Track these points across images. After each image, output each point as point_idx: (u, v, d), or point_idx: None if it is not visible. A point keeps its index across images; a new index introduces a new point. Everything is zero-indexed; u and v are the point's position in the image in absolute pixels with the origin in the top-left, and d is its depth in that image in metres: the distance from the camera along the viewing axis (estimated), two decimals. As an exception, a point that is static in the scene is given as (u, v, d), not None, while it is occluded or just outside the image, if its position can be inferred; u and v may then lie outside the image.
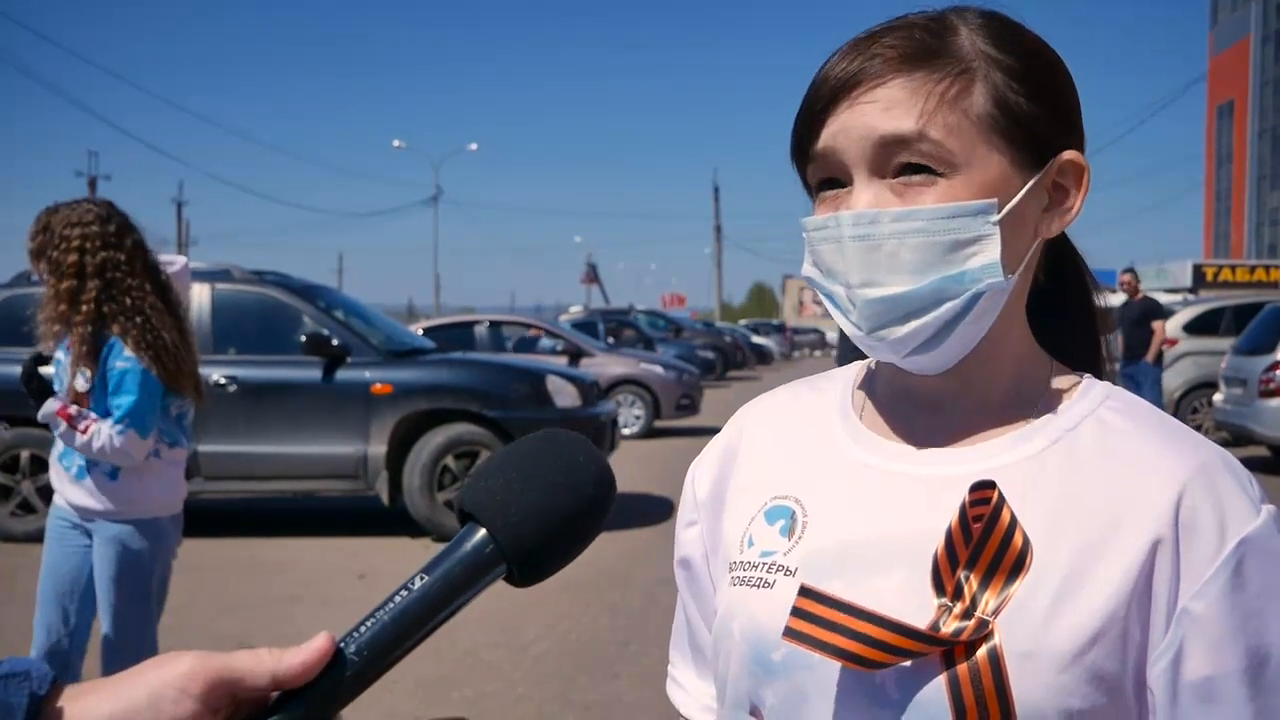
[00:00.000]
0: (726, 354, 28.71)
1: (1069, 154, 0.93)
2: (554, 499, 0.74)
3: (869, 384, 1.03)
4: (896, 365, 0.94)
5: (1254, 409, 11.10)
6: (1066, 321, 1.03)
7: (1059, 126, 0.92)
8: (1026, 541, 0.85)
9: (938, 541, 0.87)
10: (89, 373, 3.27)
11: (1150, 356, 12.04)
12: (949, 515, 0.87)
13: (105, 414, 3.27)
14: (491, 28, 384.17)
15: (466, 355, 10.10)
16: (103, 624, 3.37)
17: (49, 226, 3.31)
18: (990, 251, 0.88)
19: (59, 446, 3.39)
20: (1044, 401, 0.94)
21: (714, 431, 1.11)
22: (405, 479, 8.02)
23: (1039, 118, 0.90)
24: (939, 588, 0.86)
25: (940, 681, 0.83)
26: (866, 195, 0.89)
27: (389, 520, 8.49)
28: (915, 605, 0.85)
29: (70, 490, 3.37)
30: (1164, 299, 14.74)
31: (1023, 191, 0.90)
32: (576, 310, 26.34)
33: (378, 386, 8.00)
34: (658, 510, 8.82)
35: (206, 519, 8.42)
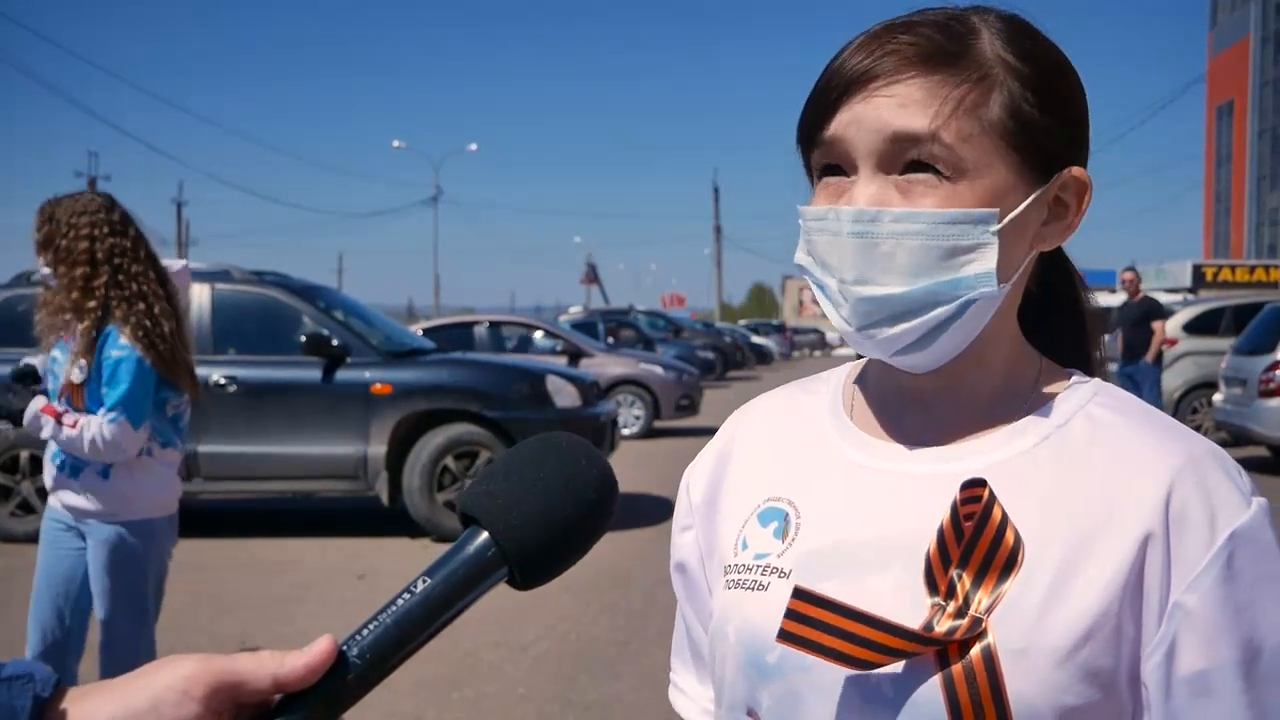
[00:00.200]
0: (726, 354, 28.67)
1: (1075, 170, 0.92)
2: (556, 502, 0.74)
3: (860, 384, 1.03)
4: (886, 364, 0.94)
5: (1254, 409, 11.08)
6: (1056, 320, 1.02)
7: (1068, 141, 0.92)
8: (1018, 539, 0.85)
9: (930, 540, 0.87)
10: (85, 364, 3.25)
11: (1150, 356, 12.03)
12: (941, 514, 0.87)
13: (99, 408, 3.24)
14: (491, 28, 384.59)
15: (466, 356, 10.08)
16: (99, 626, 3.35)
17: (55, 216, 3.32)
18: (987, 260, 0.87)
19: (53, 446, 3.36)
20: (1034, 399, 0.94)
21: (714, 432, 1.12)
22: (405, 479, 8.02)
23: (1050, 130, 0.90)
24: (932, 587, 0.86)
25: (935, 681, 0.83)
26: (870, 189, 0.88)
27: (389, 520, 8.49)
28: (910, 604, 0.85)
29: (63, 491, 3.34)
30: (1164, 299, 14.71)
31: (1025, 203, 0.89)
32: (576, 310, 26.29)
33: (378, 387, 8.00)
34: (657, 511, 8.81)
35: (207, 519, 8.43)
